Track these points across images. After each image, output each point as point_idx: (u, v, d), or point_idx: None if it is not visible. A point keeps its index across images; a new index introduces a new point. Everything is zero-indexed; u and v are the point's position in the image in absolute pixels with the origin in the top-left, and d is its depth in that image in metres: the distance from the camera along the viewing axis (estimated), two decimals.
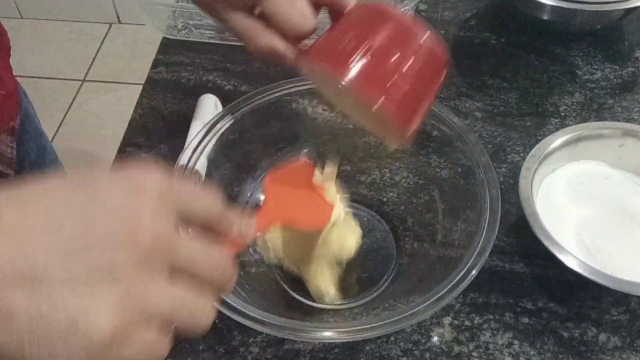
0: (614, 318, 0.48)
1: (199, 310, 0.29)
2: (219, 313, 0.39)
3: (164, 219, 0.27)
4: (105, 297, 0.25)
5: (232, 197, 0.52)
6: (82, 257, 0.25)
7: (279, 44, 0.39)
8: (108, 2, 1.85)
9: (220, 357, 0.47)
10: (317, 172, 0.47)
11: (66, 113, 1.67)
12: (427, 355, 0.46)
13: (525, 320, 0.48)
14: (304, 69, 0.40)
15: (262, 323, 0.39)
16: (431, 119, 0.50)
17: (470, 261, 0.41)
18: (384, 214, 0.53)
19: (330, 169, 0.47)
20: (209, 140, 0.48)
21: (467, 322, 0.48)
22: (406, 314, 0.39)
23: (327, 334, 0.39)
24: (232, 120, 0.50)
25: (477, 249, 0.41)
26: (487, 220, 0.43)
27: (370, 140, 0.54)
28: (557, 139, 0.52)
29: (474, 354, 0.46)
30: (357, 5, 0.39)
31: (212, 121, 0.49)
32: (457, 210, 0.49)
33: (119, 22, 1.89)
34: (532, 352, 0.46)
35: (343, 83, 0.35)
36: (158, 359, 0.28)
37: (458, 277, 0.40)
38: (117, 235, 0.26)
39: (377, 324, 0.39)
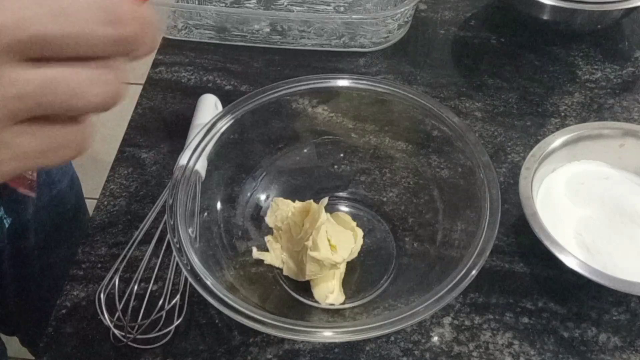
0: (614, 318, 0.48)
1: (90, 82, 0.23)
2: (219, 313, 0.39)
3: None
4: None
5: (232, 197, 0.52)
6: None
7: None
8: None
9: (220, 357, 0.47)
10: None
11: None
12: (427, 355, 0.46)
13: (525, 320, 0.48)
14: None
15: (262, 323, 0.39)
16: (431, 119, 0.50)
17: (470, 261, 0.41)
18: (384, 214, 0.53)
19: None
20: (209, 140, 0.48)
21: (467, 322, 0.48)
22: (406, 314, 0.39)
23: (327, 334, 0.39)
24: (232, 120, 0.50)
25: (477, 249, 0.41)
26: (487, 220, 0.43)
27: (370, 140, 0.54)
28: (557, 139, 0.52)
29: (474, 354, 0.46)
30: None
31: (212, 121, 0.49)
32: (457, 210, 0.49)
33: None
34: (532, 352, 0.46)
35: None
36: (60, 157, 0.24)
37: (458, 277, 0.40)
38: None
39: (377, 324, 0.39)
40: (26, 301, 0.74)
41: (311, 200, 0.50)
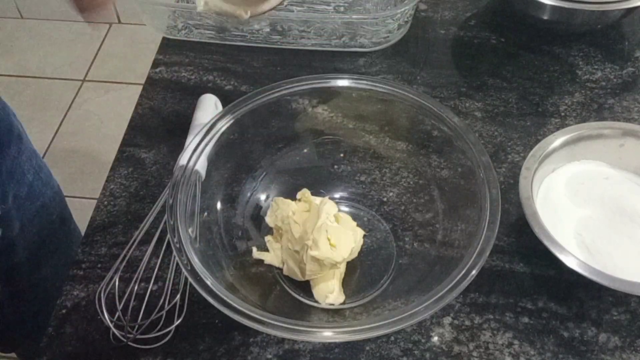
0: (614, 318, 0.48)
1: None
2: (219, 313, 0.39)
3: None
4: None
5: (232, 197, 0.52)
6: None
7: None
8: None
9: (220, 357, 0.47)
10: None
11: (66, 113, 1.67)
12: (427, 355, 0.46)
13: (525, 320, 0.48)
14: None
15: (262, 323, 0.39)
16: (431, 119, 0.50)
17: (470, 261, 0.41)
18: (384, 214, 0.53)
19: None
20: (209, 140, 0.49)
21: (467, 322, 0.48)
22: (406, 314, 0.39)
23: (327, 334, 0.39)
24: (232, 120, 0.50)
25: (477, 249, 0.41)
26: (487, 220, 0.43)
27: (370, 140, 0.54)
28: (557, 139, 0.52)
29: (474, 354, 0.46)
30: None
31: (212, 121, 0.49)
32: (457, 210, 0.49)
33: (119, 22, 1.89)
34: (532, 352, 0.46)
35: None
36: None
37: (458, 277, 0.40)
38: None
39: (377, 324, 0.39)
40: (22, 317, 0.74)
41: (305, 189, 0.50)
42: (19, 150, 0.64)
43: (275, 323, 0.39)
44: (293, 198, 0.52)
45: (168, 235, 0.44)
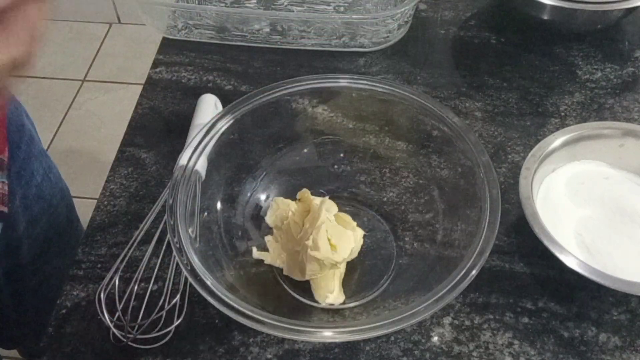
0: (614, 318, 0.48)
1: None
2: (219, 313, 0.39)
3: None
4: None
5: (232, 197, 0.52)
6: None
7: None
8: (108, 2, 1.85)
9: (220, 357, 0.47)
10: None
11: (66, 113, 1.67)
12: (427, 355, 0.46)
13: (525, 320, 0.48)
14: None
15: (262, 323, 0.39)
16: (431, 119, 0.50)
17: (470, 261, 0.41)
18: (384, 214, 0.53)
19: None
20: (209, 140, 0.49)
21: (467, 322, 0.48)
22: (406, 314, 0.39)
23: (327, 334, 0.39)
24: (232, 120, 0.50)
25: (477, 249, 0.41)
26: (487, 220, 0.43)
27: (370, 140, 0.54)
28: (557, 139, 0.52)
29: (474, 354, 0.46)
30: None
31: (212, 121, 0.49)
32: (457, 210, 0.49)
33: (119, 22, 1.89)
34: (532, 352, 0.46)
35: None
36: None
37: (458, 277, 0.40)
38: None
39: (377, 324, 0.39)
40: (24, 316, 0.74)
41: (305, 189, 0.50)
42: (29, 151, 0.63)
43: (275, 323, 0.39)
44: (293, 198, 0.52)
45: (168, 235, 0.44)
